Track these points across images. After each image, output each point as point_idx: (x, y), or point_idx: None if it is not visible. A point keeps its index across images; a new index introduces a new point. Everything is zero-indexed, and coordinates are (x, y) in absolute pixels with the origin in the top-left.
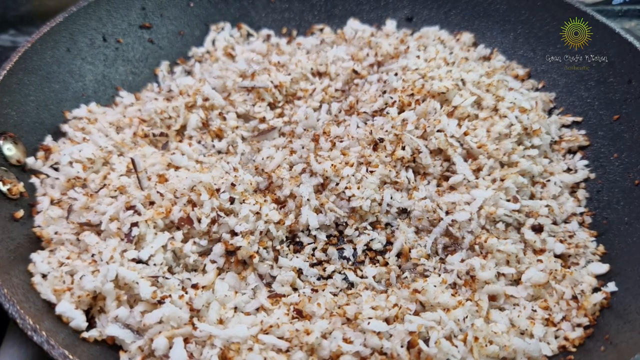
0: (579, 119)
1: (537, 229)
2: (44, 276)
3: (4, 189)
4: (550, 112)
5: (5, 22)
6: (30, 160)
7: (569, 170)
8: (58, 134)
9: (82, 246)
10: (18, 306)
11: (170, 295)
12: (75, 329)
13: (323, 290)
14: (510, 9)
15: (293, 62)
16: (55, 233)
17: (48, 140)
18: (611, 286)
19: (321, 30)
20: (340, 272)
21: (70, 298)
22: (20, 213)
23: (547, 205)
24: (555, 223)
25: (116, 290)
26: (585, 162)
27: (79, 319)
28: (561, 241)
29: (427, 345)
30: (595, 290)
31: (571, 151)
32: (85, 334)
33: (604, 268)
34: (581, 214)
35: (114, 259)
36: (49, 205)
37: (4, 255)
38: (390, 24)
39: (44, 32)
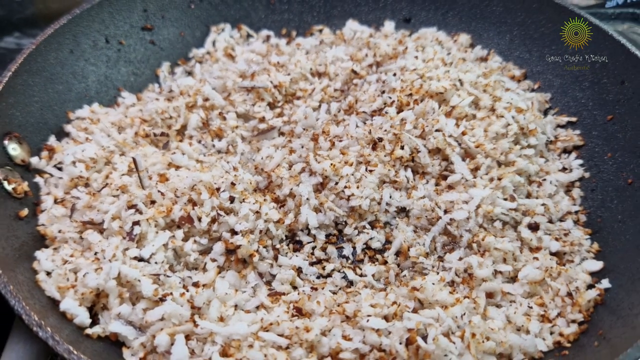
0: (573, 119)
1: (534, 227)
2: (48, 274)
3: (9, 188)
4: (545, 113)
5: (10, 24)
6: (34, 160)
7: (564, 169)
8: (61, 134)
9: (85, 244)
10: (24, 302)
11: (171, 293)
12: (79, 326)
13: (322, 288)
14: (506, 11)
15: (292, 62)
16: (59, 231)
17: (52, 140)
18: (605, 283)
19: (320, 31)
20: (339, 271)
21: (74, 295)
22: (24, 212)
23: (543, 204)
24: (551, 221)
25: (119, 288)
26: (580, 161)
27: (82, 316)
28: (557, 239)
29: (425, 342)
30: (590, 287)
31: (566, 151)
32: (89, 331)
33: (598, 265)
34: (576, 212)
35: (117, 257)
36: (53, 204)
37: (10, 253)
38: (389, 25)
39: (48, 35)
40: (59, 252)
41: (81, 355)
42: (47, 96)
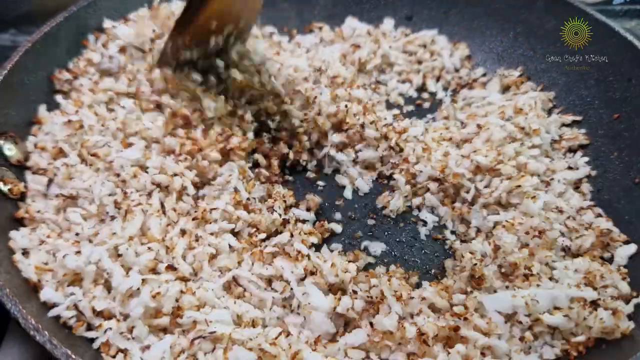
0: (579, 117)
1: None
2: (24, 253)
3: (5, 189)
4: (550, 111)
5: (5, 21)
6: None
7: (569, 168)
8: None
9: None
10: (20, 306)
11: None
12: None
13: None
14: (509, 8)
15: None
16: (38, 211)
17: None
18: None
19: (320, 28)
20: None
21: (53, 279)
22: (21, 213)
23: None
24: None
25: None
26: (586, 159)
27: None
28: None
29: None
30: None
31: (571, 150)
32: (94, 345)
33: (632, 249)
34: (589, 207)
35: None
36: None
37: (5, 255)
38: (388, 23)
39: (44, 32)
40: (36, 231)
41: (79, 359)
42: (44, 95)
